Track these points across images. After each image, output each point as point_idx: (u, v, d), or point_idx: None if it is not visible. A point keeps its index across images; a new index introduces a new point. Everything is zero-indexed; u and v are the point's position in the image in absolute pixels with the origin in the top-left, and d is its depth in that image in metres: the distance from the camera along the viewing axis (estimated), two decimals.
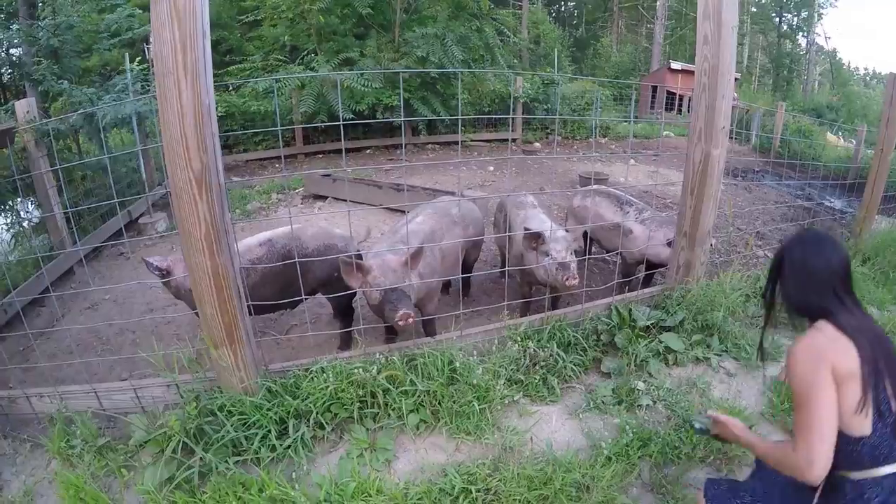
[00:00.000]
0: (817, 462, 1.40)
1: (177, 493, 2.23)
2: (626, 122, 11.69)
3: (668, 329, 3.17)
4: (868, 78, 40.41)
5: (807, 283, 1.55)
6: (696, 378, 2.97)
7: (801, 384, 1.44)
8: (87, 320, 4.10)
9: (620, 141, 11.85)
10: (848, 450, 1.44)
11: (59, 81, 5.66)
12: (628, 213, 3.81)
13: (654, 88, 16.30)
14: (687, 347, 3.12)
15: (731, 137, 12.70)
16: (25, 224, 5.08)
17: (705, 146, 3.00)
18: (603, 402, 2.76)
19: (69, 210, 3.34)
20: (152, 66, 6.03)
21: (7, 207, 4.99)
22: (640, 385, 2.84)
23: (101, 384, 2.78)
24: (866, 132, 9.37)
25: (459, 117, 2.61)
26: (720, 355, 3.16)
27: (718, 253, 4.86)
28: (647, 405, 2.77)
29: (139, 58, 6.12)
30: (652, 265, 3.69)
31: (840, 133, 14.07)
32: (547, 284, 3.13)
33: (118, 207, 5.27)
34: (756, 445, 1.69)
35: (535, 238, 3.09)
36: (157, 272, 2.99)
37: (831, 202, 7.40)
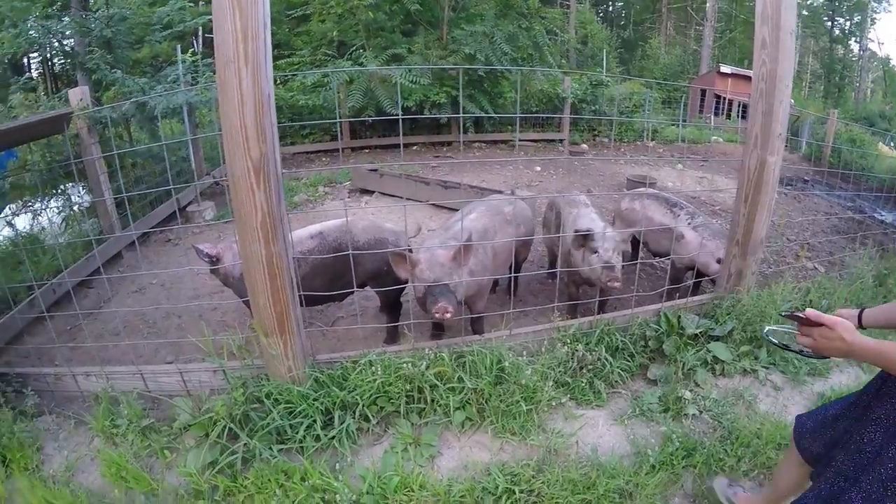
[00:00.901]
0: None
1: (219, 478, 2.26)
2: (674, 125, 11.47)
3: (717, 338, 3.09)
4: None
5: None
6: (742, 390, 2.89)
7: None
8: (134, 304, 4.19)
9: (668, 145, 11.64)
10: None
11: (113, 70, 5.81)
12: (679, 216, 3.72)
13: (703, 92, 15.92)
14: (735, 358, 3.04)
15: None
16: (76, 208, 5.23)
17: (761, 153, 2.91)
18: (649, 410, 2.70)
19: (124, 194, 3.41)
20: (203, 59, 6.16)
21: (59, 192, 5.14)
22: (687, 394, 2.77)
23: (148, 366, 2.84)
24: None
25: (517, 115, 2.58)
26: (768, 368, 3.07)
27: (768, 264, 4.73)
28: (693, 415, 2.70)
29: (191, 49, 6.24)
30: (701, 273, 3.60)
31: (893, 144, 13.52)
32: (592, 284, 3.10)
33: (172, 192, 5.40)
34: (882, 351, 1.29)
35: (585, 237, 3.06)
36: (206, 259, 3.04)
37: (882, 216, 7.11)
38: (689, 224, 3.66)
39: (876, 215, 7.08)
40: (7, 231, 4.49)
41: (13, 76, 7.80)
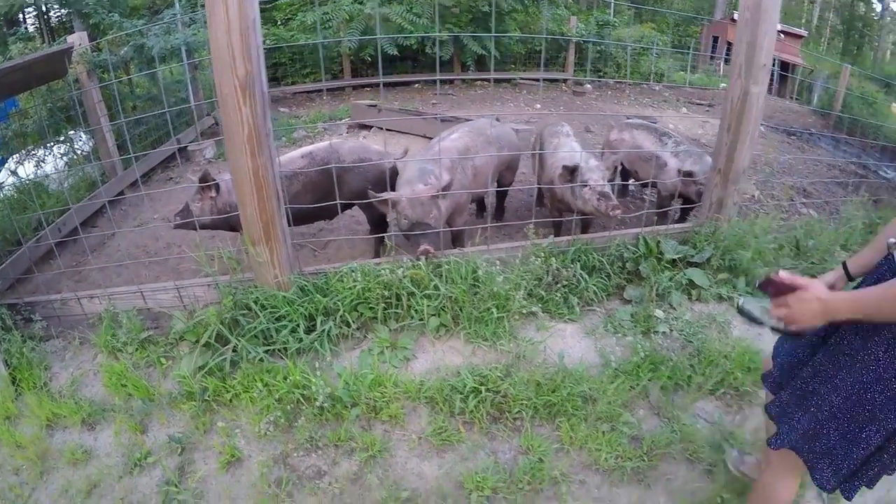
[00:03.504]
0: None
1: (209, 379, 2.41)
2: (682, 71, 11.20)
3: (695, 265, 3.15)
4: None
5: None
6: (717, 315, 2.93)
7: None
8: (137, 236, 4.32)
9: (675, 90, 11.42)
10: None
11: (110, 14, 5.79)
12: (666, 144, 3.76)
13: (715, 39, 15.59)
14: (711, 284, 3.08)
15: (792, 98, 12.20)
16: (79, 152, 5.31)
17: (744, 83, 2.92)
18: (620, 325, 2.80)
19: (123, 119, 3.46)
20: None
21: (61, 139, 5.20)
22: (660, 313, 2.86)
23: (147, 285, 2.96)
24: None
25: (518, 34, 2.61)
26: (744, 297, 3.09)
27: (760, 204, 4.75)
28: (664, 332, 2.78)
29: None
30: (688, 200, 3.65)
31: None
32: (582, 212, 3.14)
33: (171, 130, 5.46)
34: (858, 299, 1.20)
35: (571, 172, 3.10)
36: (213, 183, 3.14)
37: (886, 173, 7.06)
38: (673, 152, 3.70)
39: (880, 172, 7.03)
40: (12, 180, 4.59)
41: (11, 30, 7.76)
